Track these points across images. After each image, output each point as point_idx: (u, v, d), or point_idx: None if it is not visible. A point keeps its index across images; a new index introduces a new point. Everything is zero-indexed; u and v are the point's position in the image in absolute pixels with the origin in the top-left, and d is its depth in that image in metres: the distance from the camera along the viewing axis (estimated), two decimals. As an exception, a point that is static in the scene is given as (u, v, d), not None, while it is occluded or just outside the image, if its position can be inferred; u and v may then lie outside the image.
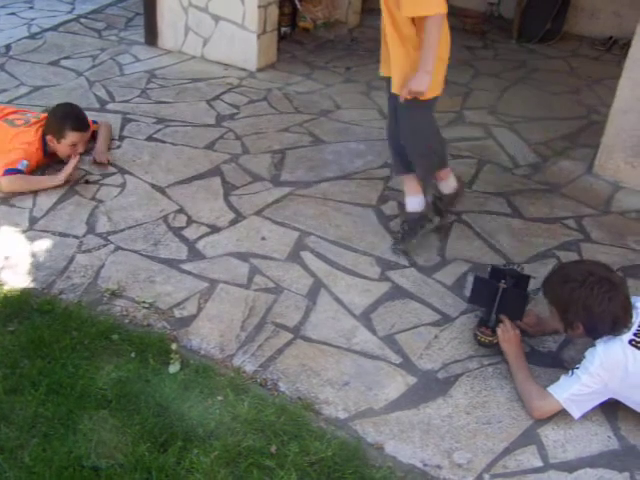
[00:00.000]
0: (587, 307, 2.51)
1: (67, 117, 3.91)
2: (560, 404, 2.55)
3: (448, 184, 3.59)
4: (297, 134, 4.56)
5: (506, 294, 2.86)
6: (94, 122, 4.22)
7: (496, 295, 2.87)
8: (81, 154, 3.96)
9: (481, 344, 2.91)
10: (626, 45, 6.14)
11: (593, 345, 2.56)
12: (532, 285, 3.08)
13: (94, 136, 4.18)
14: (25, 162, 3.77)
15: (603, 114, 4.56)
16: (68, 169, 3.78)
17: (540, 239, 3.64)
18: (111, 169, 4.00)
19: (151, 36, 5.80)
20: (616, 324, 2.51)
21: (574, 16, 6.70)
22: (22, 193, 3.72)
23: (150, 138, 4.38)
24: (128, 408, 2.53)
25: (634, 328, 2.51)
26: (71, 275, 3.20)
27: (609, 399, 2.57)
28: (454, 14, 6.96)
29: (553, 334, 2.99)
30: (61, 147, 3.91)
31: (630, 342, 2.48)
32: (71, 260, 3.29)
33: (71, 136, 3.88)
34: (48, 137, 3.89)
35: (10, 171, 3.73)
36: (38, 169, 3.87)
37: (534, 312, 3.03)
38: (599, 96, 5.37)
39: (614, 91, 4.06)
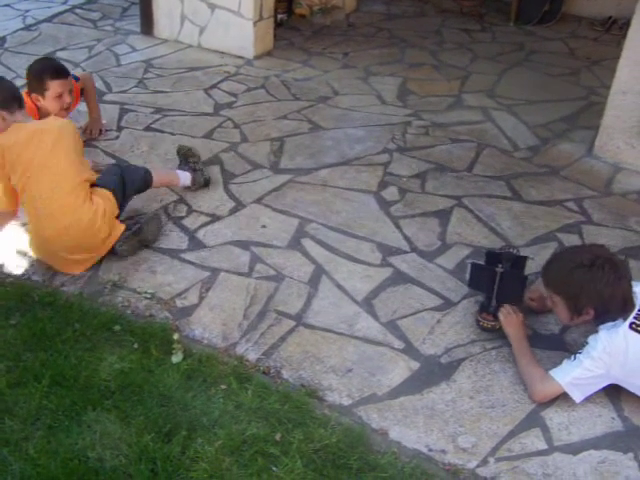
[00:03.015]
0: (598, 290, 2.49)
1: (44, 68, 3.76)
2: (562, 387, 2.55)
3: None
4: (296, 121, 4.55)
5: (504, 278, 2.85)
6: (75, 78, 4.09)
7: (494, 280, 2.87)
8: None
9: (484, 329, 2.91)
10: (625, 25, 6.12)
11: (596, 331, 2.56)
12: (532, 267, 3.07)
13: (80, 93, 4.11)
14: None
15: (603, 95, 4.53)
16: None
17: (541, 222, 3.63)
18: (110, 160, 3.98)
19: (147, 26, 5.78)
20: (625, 305, 2.50)
21: (572, -3, 6.66)
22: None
23: (148, 128, 4.37)
24: (131, 399, 2.53)
25: (634, 312, 2.51)
26: (72, 267, 3.20)
27: (611, 384, 2.57)
28: (451, -3, 7.00)
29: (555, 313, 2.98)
30: (48, 102, 3.76)
31: (630, 326, 2.47)
32: (71, 252, 3.29)
33: (53, 85, 3.71)
34: (33, 96, 3.76)
35: None
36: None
37: (537, 288, 3.03)
38: (598, 77, 5.34)
39: (613, 72, 4.04)
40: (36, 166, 3.04)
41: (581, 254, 2.59)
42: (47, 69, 3.77)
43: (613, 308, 2.51)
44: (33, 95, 3.78)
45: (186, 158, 3.80)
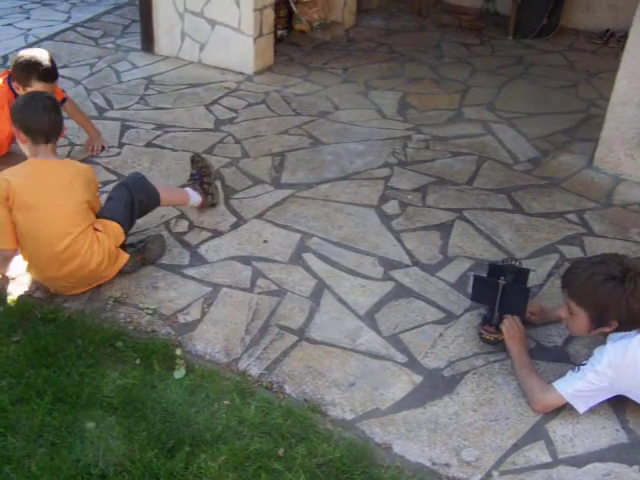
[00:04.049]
0: (629, 304, 2.44)
1: (34, 65, 3.66)
2: (563, 398, 2.54)
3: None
4: (296, 136, 4.56)
5: (506, 290, 2.85)
6: (63, 93, 4.09)
7: (497, 292, 2.86)
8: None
9: (487, 342, 2.90)
10: (623, 38, 6.16)
11: (603, 343, 2.53)
12: (533, 279, 3.06)
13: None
14: None
15: (602, 107, 4.55)
16: None
17: (543, 234, 3.64)
18: (111, 176, 3.99)
19: (148, 43, 5.81)
20: None
21: (570, 10, 6.69)
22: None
23: (150, 144, 4.39)
24: (134, 415, 2.53)
25: None
26: (74, 283, 3.20)
27: (616, 396, 2.55)
28: (450, 12, 7.03)
29: (557, 325, 2.97)
30: None
31: None
32: (74, 268, 3.29)
33: (37, 86, 3.63)
34: (14, 84, 3.70)
35: None
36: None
37: (537, 301, 3.02)
38: (597, 89, 5.36)
39: (612, 84, 4.05)
40: (42, 210, 2.93)
41: (610, 265, 2.51)
42: (36, 68, 3.67)
43: (638, 320, 2.48)
44: (14, 83, 3.71)
45: (201, 176, 3.69)
